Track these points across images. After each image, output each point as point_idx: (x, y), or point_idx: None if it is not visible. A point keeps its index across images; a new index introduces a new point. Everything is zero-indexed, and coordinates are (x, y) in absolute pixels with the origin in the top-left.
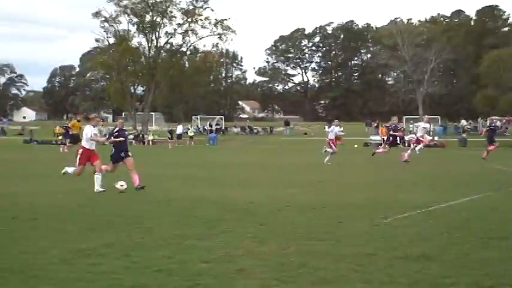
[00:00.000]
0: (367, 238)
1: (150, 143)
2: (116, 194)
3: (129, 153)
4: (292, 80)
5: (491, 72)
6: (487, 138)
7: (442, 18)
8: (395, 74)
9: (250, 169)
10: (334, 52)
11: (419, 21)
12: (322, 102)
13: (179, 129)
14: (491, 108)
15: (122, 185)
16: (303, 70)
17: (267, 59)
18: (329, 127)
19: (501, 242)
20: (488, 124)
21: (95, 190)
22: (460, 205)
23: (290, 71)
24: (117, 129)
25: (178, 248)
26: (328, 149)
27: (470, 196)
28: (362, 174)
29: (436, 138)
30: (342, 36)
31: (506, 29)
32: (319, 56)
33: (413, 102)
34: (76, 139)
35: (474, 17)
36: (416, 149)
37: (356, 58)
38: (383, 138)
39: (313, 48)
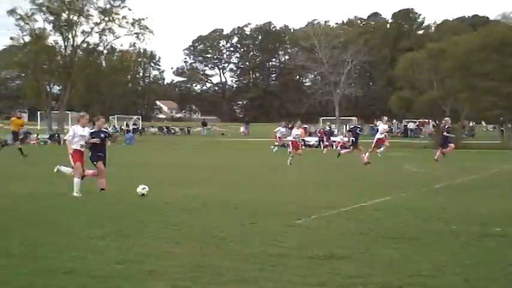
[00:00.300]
0: (279, 238)
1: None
2: (23, 197)
3: (105, 157)
4: (210, 81)
5: (406, 74)
6: (440, 140)
7: (359, 21)
8: (312, 75)
9: (168, 169)
10: (252, 53)
11: (336, 23)
12: (240, 103)
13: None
14: (406, 110)
15: (143, 188)
16: (221, 71)
17: (185, 59)
18: (291, 128)
19: (411, 242)
20: (442, 125)
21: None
22: (372, 206)
23: (208, 72)
24: (94, 130)
25: (89, 249)
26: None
27: (383, 197)
28: (284, 174)
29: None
30: (259, 37)
31: (421, 32)
32: (237, 56)
33: (330, 103)
34: (16, 137)
35: (390, 20)
36: (378, 150)
37: (274, 59)
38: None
39: (231, 48)
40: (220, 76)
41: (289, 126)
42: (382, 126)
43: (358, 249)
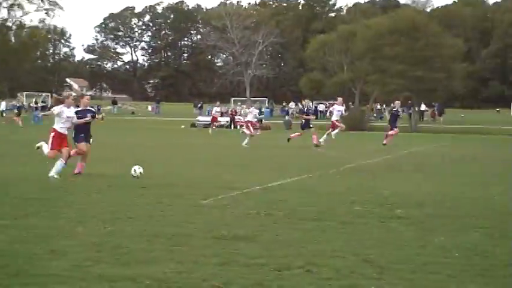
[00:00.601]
0: (184, 219)
1: None
2: None
3: (90, 138)
4: (122, 59)
5: (317, 56)
6: (389, 123)
7: (271, 2)
8: (224, 55)
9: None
10: (164, 32)
11: (249, 3)
12: (151, 81)
13: (3, 105)
14: (316, 91)
15: (135, 170)
16: (133, 49)
17: (96, 36)
18: (248, 108)
19: (315, 222)
20: (390, 108)
21: (50, 175)
22: (279, 187)
23: (119, 50)
24: (79, 109)
25: None
26: (246, 131)
27: (290, 178)
28: (194, 154)
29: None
30: (172, 16)
31: (333, 14)
32: (148, 35)
33: (242, 84)
34: None
35: (303, 2)
36: (333, 133)
37: (186, 39)
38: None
39: (143, 27)
40: (131, 54)
41: (199, 105)
42: (337, 108)
43: (262, 229)
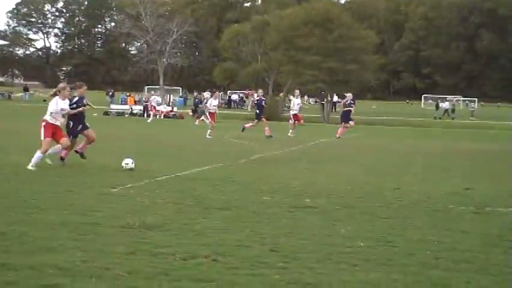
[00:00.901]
0: (92, 207)
1: None
2: None
3: (88, 125)
4: (34, 45)
5: (231, 46)
6: (341, 115)
7: None
8: (138, 43)
9: None
10: (77, 18)
11: None
12: (64, 69)
13: None
14: (230, 81)
15: (127, 164)
16: (45, 35)
17: (8, 22)
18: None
19: (223, 212)
20: (344, 101)
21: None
22: (188, 176)
23: (32, 36)
24: (76, 98)
25: None
26: (206, 121)
27: (200, 167)
28: (107, 142)
29: (175, 109)
30: (86, 2)
31: (248, 4)
32: (62, 21)
33: (156, 72)
34: None
35: None
36: (291, 129)
37: (100, 26)
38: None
39: (56, 13)
40: (44, 41)
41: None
42: (295, 101)
43: (170, 218)
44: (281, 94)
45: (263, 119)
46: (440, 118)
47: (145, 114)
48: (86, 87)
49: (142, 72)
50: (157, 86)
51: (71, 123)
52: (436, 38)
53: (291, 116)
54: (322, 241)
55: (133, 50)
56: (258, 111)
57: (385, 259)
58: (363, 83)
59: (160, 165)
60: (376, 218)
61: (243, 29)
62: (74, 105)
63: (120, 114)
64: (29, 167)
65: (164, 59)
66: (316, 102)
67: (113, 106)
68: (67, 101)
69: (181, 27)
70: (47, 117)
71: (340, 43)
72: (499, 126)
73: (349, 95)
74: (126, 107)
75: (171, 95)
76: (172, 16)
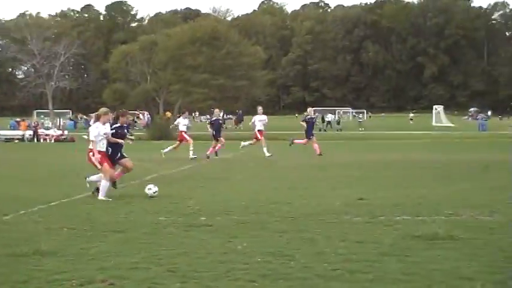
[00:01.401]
0: None
1: None
2: None
3: (125, 154)
4: None
5: (120, 67)
6: (305, 131)
7: (72, 13)
8: (25, 67)
9: None
10: None
11: (49, 15)
12: None
13: None
14: (120, 102)
15: (149, 189)
16: None
17: None
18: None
19: (119, 234)
20: (306, 117)
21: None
22: (82, 200)
23: None
24: (118, 124)
25: None
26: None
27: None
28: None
29: (66, 132)
30: None
31: (134, 24)
32: None
33: (45, 96)
34: None
35: (104, 12)
36: (245, 143)
37: None
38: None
39: None
40: None
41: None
42: (258, 118)
43: (66, 244)
44: (167, 113)
45: (221, 138)
46: (325, 130)
47: (35, 139)
48: (129, 116)
49: (30, 97)
50: (47, 110)
51: (110, 149)
52: (323, 51)
53: (255, 133)
54: (218, 259)
55: (20, 75)
56: (214, 132)
57: (283, 273)
58: (252, 99)
59: (52, 190)
60: (273, 233)
61: (131, 50)
62: (114, 131)
63: (9, 140)
64: (100, 197)
65: (52, 83)
66: (207, 119)
67: (0, 132)
68: (108, 126)
69: (69, 49)
70: (95, 145)
71: (228, 60)
72: (387, 136)
73: (309, 110)
74: (20, 132)
75: (61, 119)
76: (58, 39)
